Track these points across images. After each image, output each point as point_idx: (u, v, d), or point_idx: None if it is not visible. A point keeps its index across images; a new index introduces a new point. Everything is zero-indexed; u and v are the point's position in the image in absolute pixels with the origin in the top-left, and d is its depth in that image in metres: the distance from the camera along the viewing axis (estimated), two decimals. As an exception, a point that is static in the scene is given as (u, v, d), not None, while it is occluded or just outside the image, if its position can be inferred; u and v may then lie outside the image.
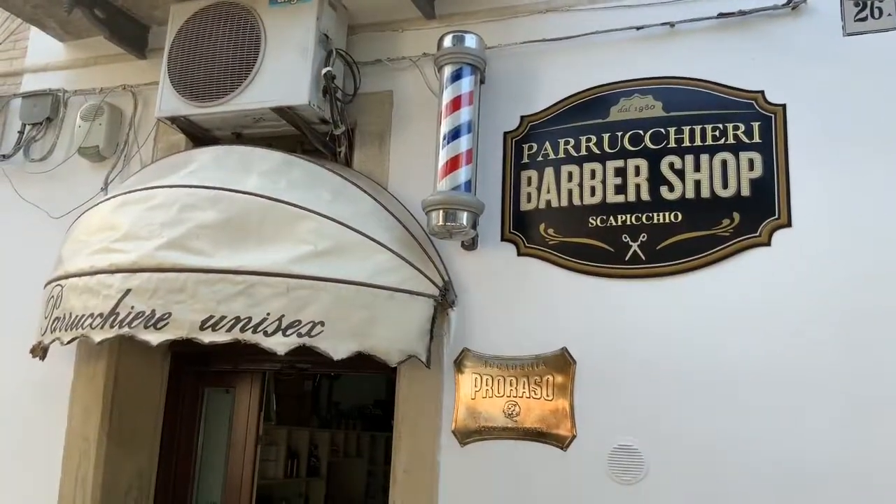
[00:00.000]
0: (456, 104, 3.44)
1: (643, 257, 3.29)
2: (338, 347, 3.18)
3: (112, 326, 3.15)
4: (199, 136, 4.02)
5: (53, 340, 3.39)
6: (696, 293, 3.20)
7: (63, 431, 4.06)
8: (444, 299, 3.46)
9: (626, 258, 3.31)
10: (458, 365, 3.48)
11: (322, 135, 3.88)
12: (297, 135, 3.89)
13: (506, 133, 3.65)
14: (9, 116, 4.65)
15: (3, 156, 4.52)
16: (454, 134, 3.41)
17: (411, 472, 3.44)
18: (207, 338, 3.08)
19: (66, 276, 3.40)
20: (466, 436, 3.39)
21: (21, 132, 4.54)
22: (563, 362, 3.32)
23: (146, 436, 4.26)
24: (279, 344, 3.10)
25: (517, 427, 3.33)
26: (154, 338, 3.09)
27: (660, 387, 3.18)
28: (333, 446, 6.38)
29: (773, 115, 3.26)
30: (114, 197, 3.55)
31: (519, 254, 3.50)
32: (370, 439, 7.09)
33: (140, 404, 4.23)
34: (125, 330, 3.13)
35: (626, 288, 3.30)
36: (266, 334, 3.11)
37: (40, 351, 3.65)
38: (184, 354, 4.41)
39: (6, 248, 4.43)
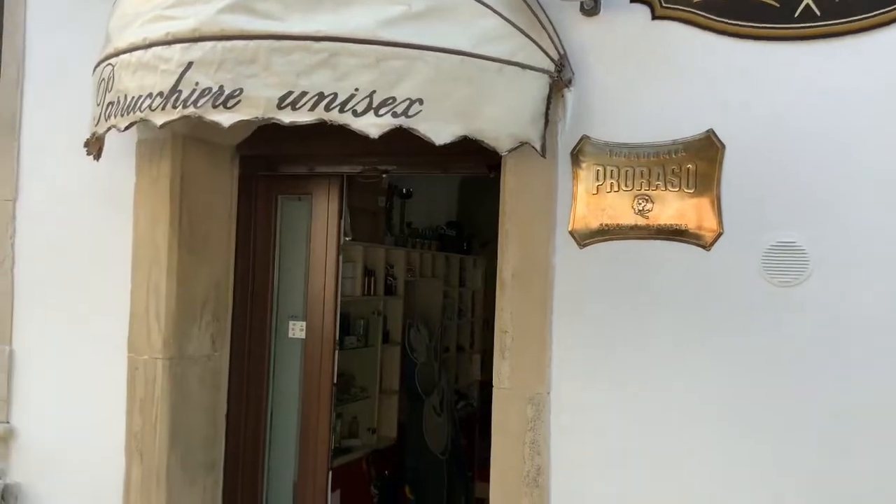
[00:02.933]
0: None
1: (818, 12, 2.62)
2: (440, 130, 2.65)
3: (175, 107, 2.66)
4: None
5: (109, 129, 2.94)
6: (883, 56, 2.56)
7: (130, 239, 3.73)
8: (560, 76, 2.88)
9: (797, 14, 2.65)
10: (576, 156, 2.95)
11: None
12: None
13: None
14: None
15: (33, -69, 3.94)
16: None
17: (521, 276, 3.01)
18: (287, 117, 2.58)
19: (117, 54, 2.89)
20: (586, 237, 2.92)
21: None
22: (707, 147, 2.76)
23: (220, 245, 3.91)
24: (371, 125, 2.59)
25: (649, 225, 2.84)
26: (225, 118, 2.60)
27: (831, 172, 2.62)
28: (409, 266, 6.07)
29: None
30: (165, -42, 2.96)
31: (654, 16, 2.86)
32: (444, 260, 6.77)
33: (210, 210, 3.85)
34: (191, 110, 2.64)
35: (794, 52, 2.66)
36: (355, 114, 2.59)
37: (95, 145, 3.22)
38: (253, 158, 3.98)
39: (41, 34, 3.95)
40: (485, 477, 7.29)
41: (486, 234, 9.17)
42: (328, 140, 3.82)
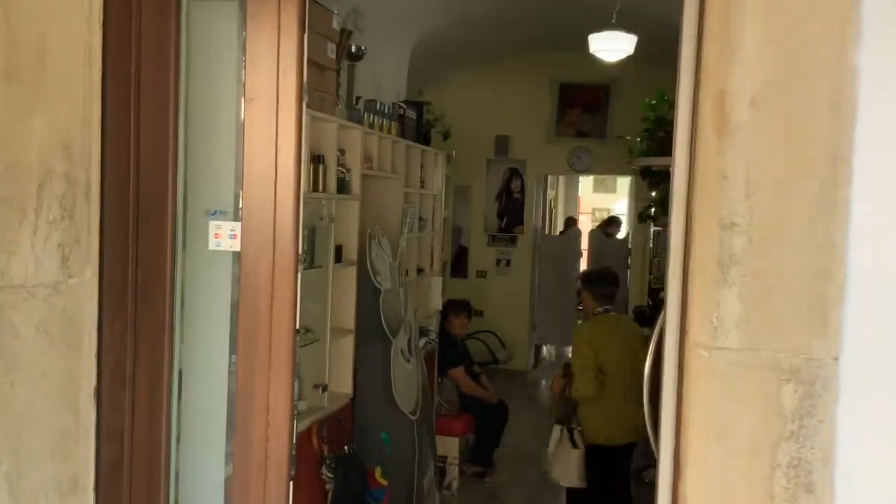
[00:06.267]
0: None
1: None
2: None
3: None
4: None
5: None
6: None
7: None
8: None
9: None
10: None
11: None
12: None
13: None
14: None
15: None
16: None
17: (772, 101, 1.34)
18: None
19: None
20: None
21: None
22: None
23: (69, 72, 2.04)
24: None
25: None
26: None
27: None
28: (365, 154, 4.28)
29: None
30: None
31: None
32: (405, 151, 5.00)
33: (45, 3, 1.96)
34: None
35: None
36: None
37: None
38: None
39: None
40: (442, 429, 5.80)
41: (452, 117, 7.40)
42: None
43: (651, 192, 5.50)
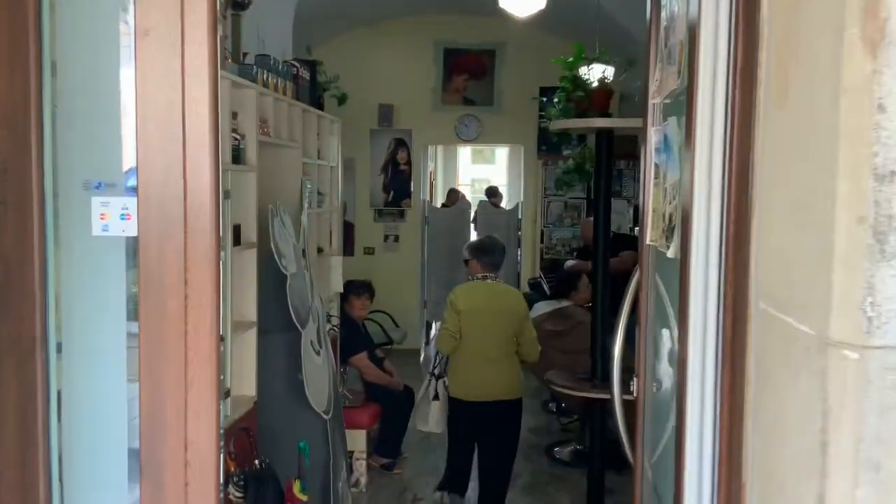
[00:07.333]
0: None
1: None
2: None
3: None
4: None
5: None
6: None
7: None
8: None
9: None
10: None
11: None
12: None
13: None
14: None
15: None
16: None
17: None
18: None
19: None
20: None
21: None
22: None
23: None
24: None
25: None
26: None
27: None
28: (261, 118, 3.68)
29: None
30: None
31: None
32: (301, 115, 4.41)
33: None
34: None
35: None
36: None
37: None
38: None
39: None
40: (348, 423, 5.30)
41: (351, 82, 6.77)
42: None
43: (566, 157, 5.18)
